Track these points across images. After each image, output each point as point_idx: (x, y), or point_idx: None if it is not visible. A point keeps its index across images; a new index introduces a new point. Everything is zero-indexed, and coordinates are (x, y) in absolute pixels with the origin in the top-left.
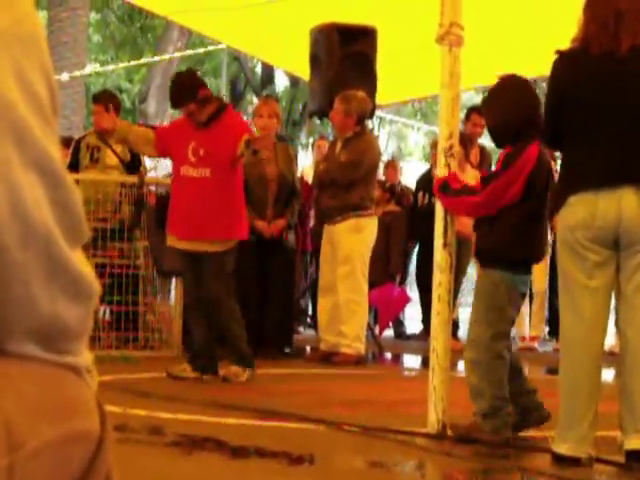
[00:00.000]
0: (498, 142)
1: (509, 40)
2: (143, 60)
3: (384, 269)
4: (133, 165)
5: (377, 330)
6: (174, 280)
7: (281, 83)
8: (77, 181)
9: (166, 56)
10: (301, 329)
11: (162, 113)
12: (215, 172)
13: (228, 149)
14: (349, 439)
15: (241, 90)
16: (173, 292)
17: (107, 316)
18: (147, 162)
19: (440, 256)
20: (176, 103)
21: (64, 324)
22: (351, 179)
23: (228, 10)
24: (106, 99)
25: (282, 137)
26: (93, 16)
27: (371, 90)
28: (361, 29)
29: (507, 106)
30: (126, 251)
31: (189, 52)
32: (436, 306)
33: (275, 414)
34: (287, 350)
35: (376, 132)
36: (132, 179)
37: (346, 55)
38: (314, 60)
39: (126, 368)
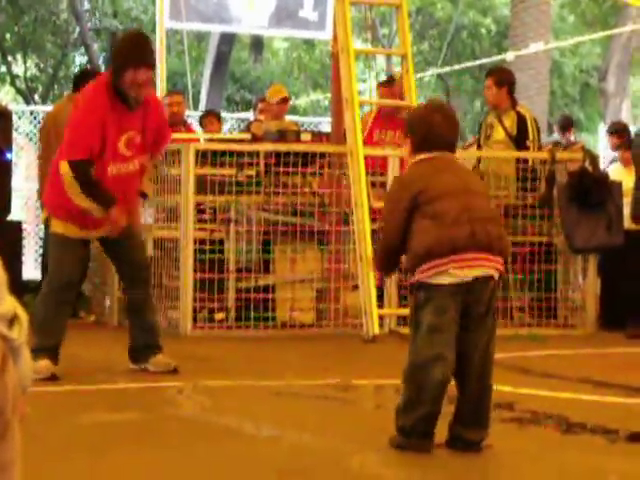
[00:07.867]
0: None
1: None
2: (591, 36)
3: None
4: (520, 139)
5: None
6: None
7: None
8: (479, 159)
9: (626, 29)
10: None
11: (622, 91)
12: (142, 162)
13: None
14: None
15: None
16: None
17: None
18: None
19: None
20: (152, 61)
21: None
22: None
23: None
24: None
25: None
26: None
27: None
28: None
29: None
30: (541, 228)
31: None
32: None
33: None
34: None
35: None
36: (538, 155)
37: None
38: None
39: (531, 346)
